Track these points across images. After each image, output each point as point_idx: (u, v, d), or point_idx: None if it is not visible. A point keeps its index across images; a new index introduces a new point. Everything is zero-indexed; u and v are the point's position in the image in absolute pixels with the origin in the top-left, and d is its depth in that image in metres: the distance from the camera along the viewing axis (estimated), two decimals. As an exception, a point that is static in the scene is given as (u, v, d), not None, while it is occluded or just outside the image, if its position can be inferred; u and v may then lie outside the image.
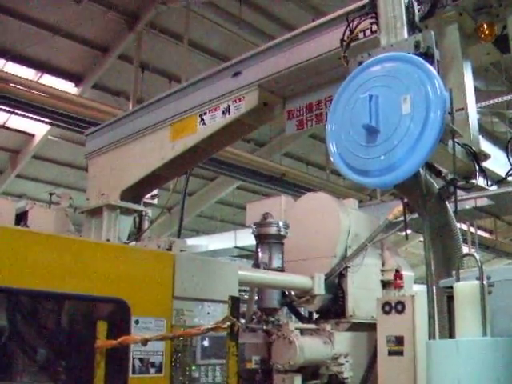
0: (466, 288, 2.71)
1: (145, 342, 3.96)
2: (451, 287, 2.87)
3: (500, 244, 20.84)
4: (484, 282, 2.70)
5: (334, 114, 3.40)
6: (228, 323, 3.68)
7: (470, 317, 2.63)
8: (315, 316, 6.94)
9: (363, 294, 6.73)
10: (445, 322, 3.12)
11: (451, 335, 2.90)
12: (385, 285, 7.04)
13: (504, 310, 2.80)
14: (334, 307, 6.66)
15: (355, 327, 6.59)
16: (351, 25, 4.03)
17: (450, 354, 2.58)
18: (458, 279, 2.79)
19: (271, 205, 7.28)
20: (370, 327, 6.34)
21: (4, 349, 4.10)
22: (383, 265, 7.14)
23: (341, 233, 6.75)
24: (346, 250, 6.76)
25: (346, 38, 4.06)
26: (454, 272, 2.95)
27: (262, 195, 16.12)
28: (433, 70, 3.10)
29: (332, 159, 3.36)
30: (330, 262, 6.64)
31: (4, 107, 10.60)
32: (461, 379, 2.53)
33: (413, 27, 3.58)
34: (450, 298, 2.96)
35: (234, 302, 3.79)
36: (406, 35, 3.50)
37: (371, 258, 6.93)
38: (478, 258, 2.79)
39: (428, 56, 3.28)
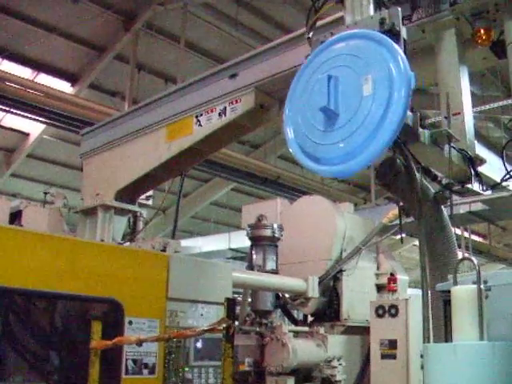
0: (463, 292, 2.70)
1: (140, 342, 3.94)
2: (447, 291, 2.86)
3: (494, 249, 20.87)
4: (481, 286, 2.69)
5: (293, 96, 3.14)
6: (224, 325, 3.66)
7: (468, 321, 2.63)
8: (310, 319, 6.93)
9: (358, 298, 6.73)
10: (440, 326, 3.12)
11: (446, 339, 2.89)
12: (379, 288, 7.03)
13: (501, 314, 2.79)
14: (329, 310, 6.65)
15: (350, 330, 6.59)
16: (316, 4, 3.74)
17: (447, 357, 2.57)
18: (455, 283, 2.77)
19: (267, 207, 7.28)
20: (365, 330, 6.34)
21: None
22: (378, 268, 7.14)
23: (336, 236, 6.74)
24: (341, 253, 6.76)
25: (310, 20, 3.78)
26: (450, 276, 2.94)
27: (257, 197, 16.13)
28: (396, 46, 2.87)
29: (288, 145, 3.12)
30: (325, 264, 6.63)
31: (-1, 106, 10.56)
32: (458, 383, 2.53)
33: (379, 4, 3.37)
34: (446, 302, 2.95)
35: (230, 304, 3.76)
36: (371, 13, 3.29)
37: (366, 261, 6.92)
38: (475, 262, 2.78)
39: (393, 33, 3.05)
